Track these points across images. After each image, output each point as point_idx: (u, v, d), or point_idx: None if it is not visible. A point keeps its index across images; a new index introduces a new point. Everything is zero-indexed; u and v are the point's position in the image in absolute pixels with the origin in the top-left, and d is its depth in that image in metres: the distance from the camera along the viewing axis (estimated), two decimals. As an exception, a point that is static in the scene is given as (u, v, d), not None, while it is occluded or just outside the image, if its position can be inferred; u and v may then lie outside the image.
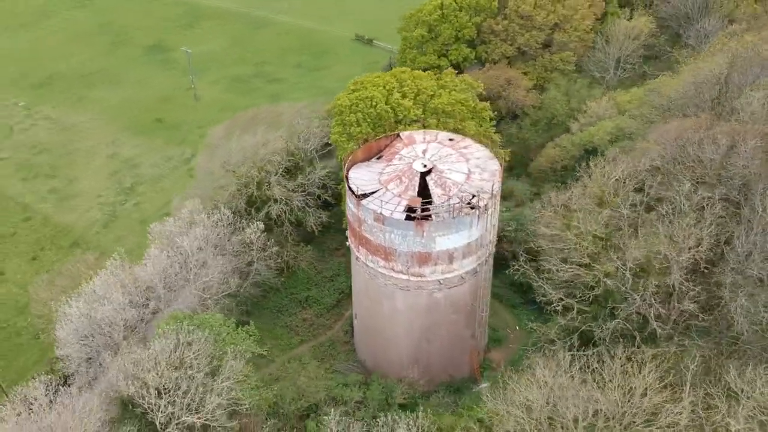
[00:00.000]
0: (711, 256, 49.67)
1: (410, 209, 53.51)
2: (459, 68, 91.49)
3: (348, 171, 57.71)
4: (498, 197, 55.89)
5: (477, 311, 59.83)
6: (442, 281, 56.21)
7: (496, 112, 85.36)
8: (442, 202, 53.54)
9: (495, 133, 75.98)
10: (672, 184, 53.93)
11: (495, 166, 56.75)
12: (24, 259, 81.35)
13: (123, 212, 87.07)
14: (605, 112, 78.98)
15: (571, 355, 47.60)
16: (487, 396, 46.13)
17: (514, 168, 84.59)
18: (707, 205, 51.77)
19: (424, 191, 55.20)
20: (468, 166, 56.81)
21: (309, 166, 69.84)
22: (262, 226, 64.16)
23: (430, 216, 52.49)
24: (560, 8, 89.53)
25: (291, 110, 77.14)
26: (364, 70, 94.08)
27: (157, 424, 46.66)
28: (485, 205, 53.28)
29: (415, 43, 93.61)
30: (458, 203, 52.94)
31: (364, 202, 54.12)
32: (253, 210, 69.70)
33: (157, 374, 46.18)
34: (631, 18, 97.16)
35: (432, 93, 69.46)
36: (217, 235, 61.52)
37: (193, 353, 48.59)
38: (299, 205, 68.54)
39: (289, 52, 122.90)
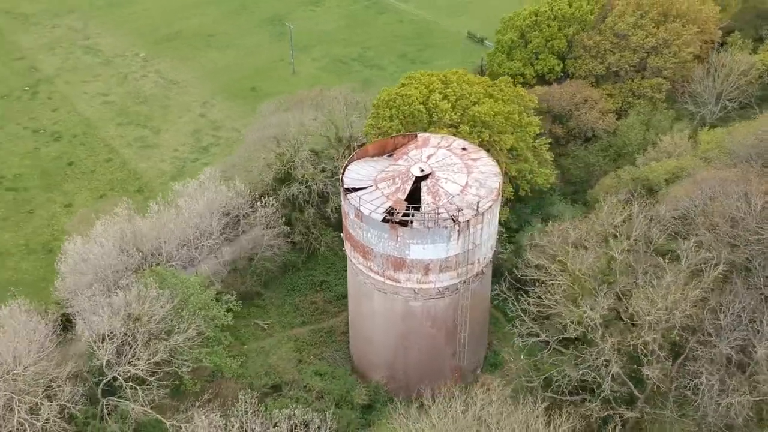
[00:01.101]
0: (691, 323, 44.26)
1: (391, 211, 52.21)
2: (544, 79, 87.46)
3: (349, 163, 57.20)
4: (491, 215, 52.93)
5: (459, 331, 57.40)
6: (417, 291, 54.49)
7: (565, 131, 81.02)
8: (429, 210, 51.68)
9: (549, 150, 72.23)
10: (677, 239, 48.50)
11: (495, 184, 53.82)
12: (93, 195, 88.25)
13: (191, 169, 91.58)
14: (677, 149, 72.27)
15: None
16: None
17: (575, 192, 79.88)
18: (706, 268, 46.09)
19: (417, 196, 53.62)
20: (467, 179, 54.32)
21: (338, 153, 69.89)
22: (273, 201, 65.31)
23: (406, 222, 50.91)
24: (661, 31, 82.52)
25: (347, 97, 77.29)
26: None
27: (103, 366, 49.45)
28: (467, 222, 50.80)
29: (506, 48, 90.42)
30: (433, 213, 50.86)
31: (349, 196, 53.49)
32: (282, 187, 71.04)
33: (106, 321, 48.78)
34: (755, 52, 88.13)
35: (475, 100, 66.81)
36: (228, 205, 63.41)
37: (146, 307, 50.71)
38: (320, 188, 68.90)
39: (398, 40, 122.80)
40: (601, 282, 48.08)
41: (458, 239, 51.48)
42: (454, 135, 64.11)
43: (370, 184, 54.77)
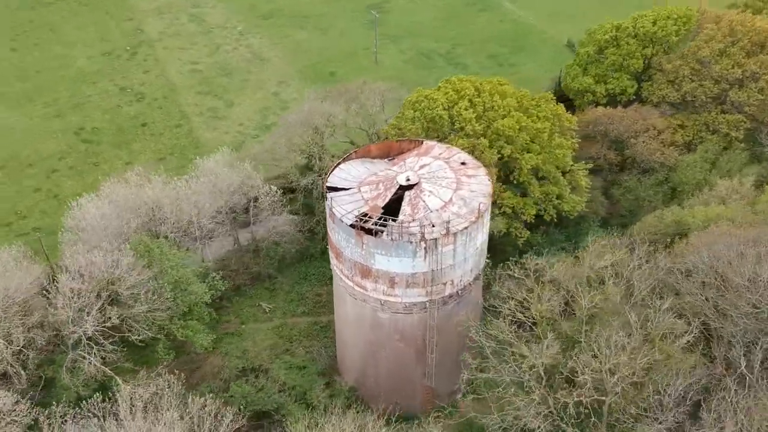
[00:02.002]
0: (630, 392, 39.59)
1: (364, 217, 50.56)
2: (615, 100, 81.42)
3: (343, 161, 56.01)
4: (467, 237, 49.88)
5: (427, 352, 54.94)
6: (383, 302, 52.66)
7: (621, 159, 75.31)
8: (396, 223, 49.59)
9: (590, 176, 67.32)
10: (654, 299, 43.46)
11: (480, 205, 50.62)
12: (154, 157, 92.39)
13: (249, 144, 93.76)
14: (733, 195, 64.98)
15: None
16: None
17: (623, 225, 73.91)
18: (680, 335, 41.01)
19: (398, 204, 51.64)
20: (453, 195, 51.51)
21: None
22: (275, 189, 65.46)
23: (371, 230, 49.11)
24: (751, 62, 74.09)
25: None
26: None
27: (69, 321, 51.82)
28: (434, 240, 48.24)
29: (583, 62, 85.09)
30: (399, 226, 48.65)
31: (329, 195, 52.43)
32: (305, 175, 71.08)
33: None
34: None
35: (504, 113, 63.13)
36: (239, 186, 64.29)
37: (119, 273, 52.46)
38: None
39: (492, 40, 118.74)
40: (558, 328, 44.05)
41: (425, 257, 49.05)
42: (474, 146, 61.14)
43: (354, 186, 53.32)
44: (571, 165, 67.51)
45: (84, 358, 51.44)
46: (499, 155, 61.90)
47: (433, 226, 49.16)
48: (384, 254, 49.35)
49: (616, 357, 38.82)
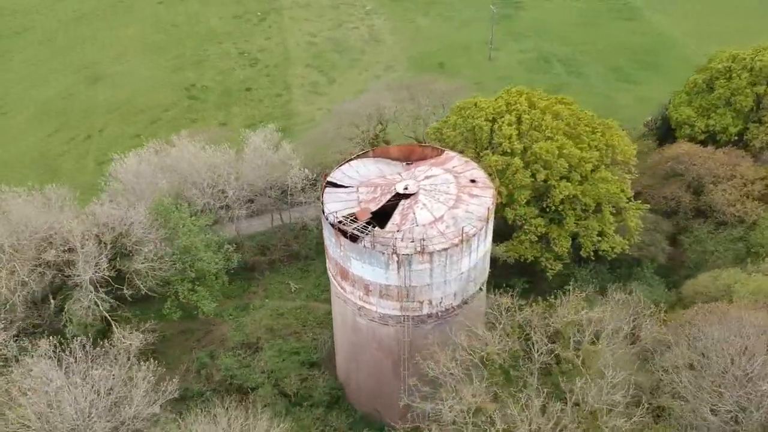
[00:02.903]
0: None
1: (350, 219, 49.46)
2: (714, 138, 73.03)
3: (354, 158, 55.04)
4: (446, 258, 47.17)
5: (401, 368, 53.10)
6: (360, 308, 51.51)
7: (696, 204, 67.99)
8: (371, 230, 47.90)
9: (645, 213, 61.44)
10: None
11: (470, 228, 47.64)
12: (245, 122, 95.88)
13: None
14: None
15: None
16: None
17: (687, 276, 66.74)
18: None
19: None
20: (446, 212, 48.88)
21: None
22: (306, 173, 65.78)
23: (347, 233, 47.92)
24: None
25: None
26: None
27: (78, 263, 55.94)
28: (407, 256, 46.20)
29: (690, 90, 77.03)
30: (371, 235, 47.02)
31: (327, 190, 51.84)
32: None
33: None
34: None
35: (550, 134, 58.63)
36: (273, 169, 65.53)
37: (127, 227, 55.65)
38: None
39: (623, 52, 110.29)
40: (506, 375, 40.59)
41: (397, 271, 47.20)
42: (507, 165, 57.63)
43: (354, 186, 52.26)
44: (626, 202, 61.57)
45: (81, 300, 55.15)
46: (533, 178, 57.76)
47: (412, 241, 47.07)
48: (359, 260, 48.09)
49: (537, 420, 35.18)
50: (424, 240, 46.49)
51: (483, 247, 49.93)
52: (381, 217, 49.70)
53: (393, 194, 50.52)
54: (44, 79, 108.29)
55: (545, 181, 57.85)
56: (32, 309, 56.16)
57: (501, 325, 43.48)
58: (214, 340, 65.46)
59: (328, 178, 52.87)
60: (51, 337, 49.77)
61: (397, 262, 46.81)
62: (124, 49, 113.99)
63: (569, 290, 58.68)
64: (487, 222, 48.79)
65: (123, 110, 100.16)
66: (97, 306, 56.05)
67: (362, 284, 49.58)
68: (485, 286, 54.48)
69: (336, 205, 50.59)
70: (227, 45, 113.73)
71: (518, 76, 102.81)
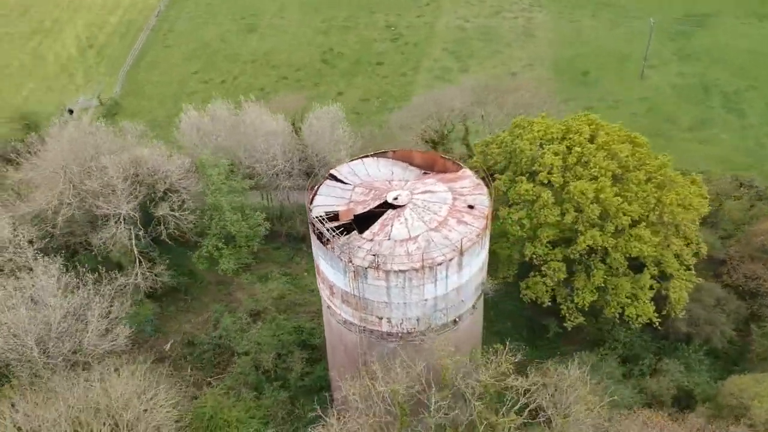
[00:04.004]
0: None
1: (334, 216, 48.31)
2: None
3: (370, 156, 53.33)
4: (406, 281, 44.48)
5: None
6: (328, 306, 50.60)
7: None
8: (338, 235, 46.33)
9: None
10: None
11: (439, 255, 44.33)
12: (359, 95, 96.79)
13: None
14: None
15: None
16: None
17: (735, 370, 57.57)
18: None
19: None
20: (423, 233, 45.84)
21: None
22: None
23: (319, 231, 46.85)
24: None
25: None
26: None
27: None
28: (363, 269, 44.26)
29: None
30: (337, 240, 45.46)
31: (326, 182, 51.00)
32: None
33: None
34: None
35: (596, 174, 52.12)
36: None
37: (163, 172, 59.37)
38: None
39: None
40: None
41: (354, 280, 45.50)
42: (537, 196, 52.65)
43: (352, 184, 50.75)
44: (677, 269, 53.66)
45: (112, 232, 59.77)
46: (560, 218, 52.14)
47: (375, 255, 44.94)
48: (324, 259, 47.00)
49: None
50: (378, 257, 44.19)
51: (456, 279, 46.23)
52: (366, 221, 47.97)
53: (382, 202, 48.39)
54: (209, 21, 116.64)
55: (573, 224, 51.96)
56: (69, 230, 61.73)
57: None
58: (237, 299, 68.01)
59: (332, 171, 51.88)
60: (69, 259, 54.95)
61: (354, 272, 45.07)
62: (287, 5, 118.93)
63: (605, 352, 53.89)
64: (462, 254, 45.03)
65: (261, 62, 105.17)
66: (130, 240, 60.47)
67: (328, 284, 48.51)
68: (473, 317, 50.80)
69: (327, 199, 49.62)
70: (378, 16, 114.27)
71: (663, 101, 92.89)
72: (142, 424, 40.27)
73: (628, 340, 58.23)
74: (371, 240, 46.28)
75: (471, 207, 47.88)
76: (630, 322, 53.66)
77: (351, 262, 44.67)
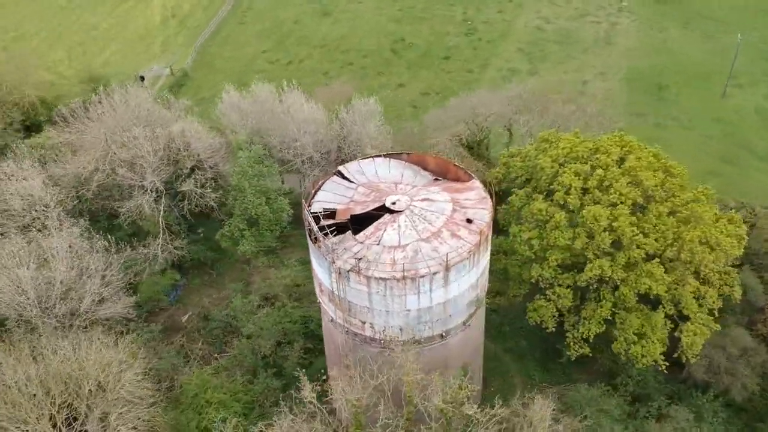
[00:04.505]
0: None
1: (331, 213, 47.82)
2: None
3: (381, 156, 52.42)
4: (385, 290, 43.44)
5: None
6: (318, 302, 50.41)
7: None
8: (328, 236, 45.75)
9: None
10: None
11: (420, 266, 42.96)
12: (423, 89, 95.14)
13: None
14: None
15: None
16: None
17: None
18: None
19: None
20: (413, 243, 44.53)
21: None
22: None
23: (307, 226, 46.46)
24: None
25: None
26: None
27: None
28: (347, 271, 43.55)
29: None
30: (326, 240, 44.88)
31: (333, 179, 50.58)
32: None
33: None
34: None
35: (614, 200, 48.97)
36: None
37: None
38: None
39: None
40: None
41: (338, 280, 44.95)
42: (549, 217, 50.15)
43: (357, 184, 49.98)
44: (696, 312, 49.92)
45: (137, 201, 61.74)
46: (571, 242, 49.43)
47: (359, 259, 44.14)
48: (314, 256, 46.70)
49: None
50: (361, 261, 43.34)
51: (442, 294, 44.70)
52: (364, 223, 47.18)
53: (380, 205, 47.40)
54: (288, 2, 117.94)
55: (583, 250, 49.14)
56: (99, 196, 64.11)
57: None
58: (255, 281, 68.82)
59: (340, 167, 51.29)
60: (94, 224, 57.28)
61: (338, 273, 44.48)
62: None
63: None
64: (448, 269, 43.45)
65: (330, 47, 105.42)
66: (154, 212, 62.33)
67: (318, 281, 48.20)
68: (465, 333, 49.12)
69: (329, 195, 49.16)
70: (457, 8, 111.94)
71: (743, 124, 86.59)
72: (108, 394, 41.42)
73: (641, 378, 55.03)
74: (362, 243, 45.49)
75: (469, 221, 46.12)
76: (635, 361, 50.36)
77: (334, 263, 44.08)
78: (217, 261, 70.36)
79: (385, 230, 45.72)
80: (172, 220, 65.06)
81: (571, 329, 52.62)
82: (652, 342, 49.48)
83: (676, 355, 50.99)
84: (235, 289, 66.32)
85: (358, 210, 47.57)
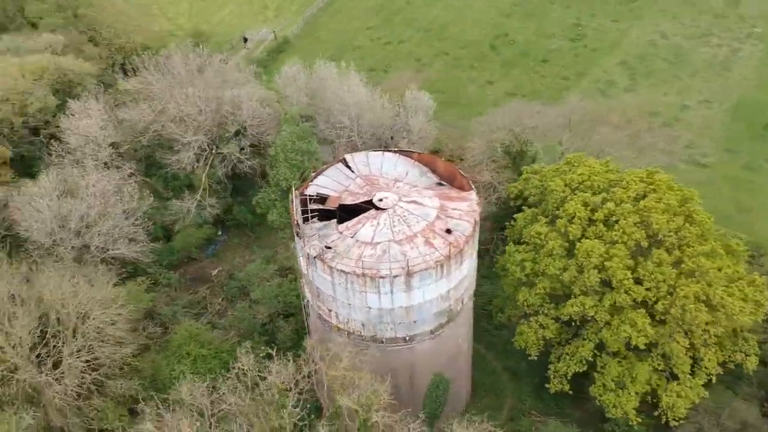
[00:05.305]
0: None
1: (322, 199, 48.68)
2: None
3: (395, 152, 52.48)
4: (352, 286, 43.81)
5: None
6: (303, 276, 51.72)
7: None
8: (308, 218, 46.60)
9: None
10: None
11: (385, 269, 42.88)
12: (509, 89, 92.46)
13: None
14: None
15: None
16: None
17: None
18: None
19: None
20: (387, 242, 44.41)
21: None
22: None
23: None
24: None
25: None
26: None
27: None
28: (314, 258, 44.40)
29: None
30: (306, 223, 45.82)
31: (337, 165, 51.40)
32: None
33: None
34: None
35: (617, 238, 46.03)
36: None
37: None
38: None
39: None
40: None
41: (306, 264, 46.00)
42: (544, 242, 48.17)
43: (357, 176, 50.33)
44: (684, 373, 46.33)
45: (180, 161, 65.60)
46: (561, 272, 47.17)
47: (328, 248, 44.80)
48: (297, 233, 47.71)
49: None
50: (328, 250, 43.98)
51: (404, 298, 44.45)
52: (352, 214, 47.68)
53: (367, 199, 47.63)
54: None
55: (570, 284, 46.80)
56: (149, 146, 68.62)
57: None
58: (279, 255, 70.69)
59: (346, 156, 51.83)
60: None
61: (307, 257, 45.46)
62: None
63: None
64: (411, 275, 43.07)
65: (432, 32, 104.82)
66: (195, 169, 66.03)
67: (301, 257, 49.16)
68: (435, 342, 48.59)
69: (328, 181, 50.12)
70: (571, 11, 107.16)
71: None
72: (85, 328, 45.09)
73: (628, 428, 51.84)
74: (341, 233, 46.10)
75: (448, 231, 45.38)
76: (606, 409, 47.62)
77: (304, 246, 45.03)
78: (257, 225, 73.23)
79: (364, 225, 45.99)
80: (215, 179, 68.31)
81: (555, 362, 50.52)
82: (628, 393, 46.52)
83: (656, 414, 47.73)
84: (261, 255, 68.92)
85: (348, 201, 48.12)
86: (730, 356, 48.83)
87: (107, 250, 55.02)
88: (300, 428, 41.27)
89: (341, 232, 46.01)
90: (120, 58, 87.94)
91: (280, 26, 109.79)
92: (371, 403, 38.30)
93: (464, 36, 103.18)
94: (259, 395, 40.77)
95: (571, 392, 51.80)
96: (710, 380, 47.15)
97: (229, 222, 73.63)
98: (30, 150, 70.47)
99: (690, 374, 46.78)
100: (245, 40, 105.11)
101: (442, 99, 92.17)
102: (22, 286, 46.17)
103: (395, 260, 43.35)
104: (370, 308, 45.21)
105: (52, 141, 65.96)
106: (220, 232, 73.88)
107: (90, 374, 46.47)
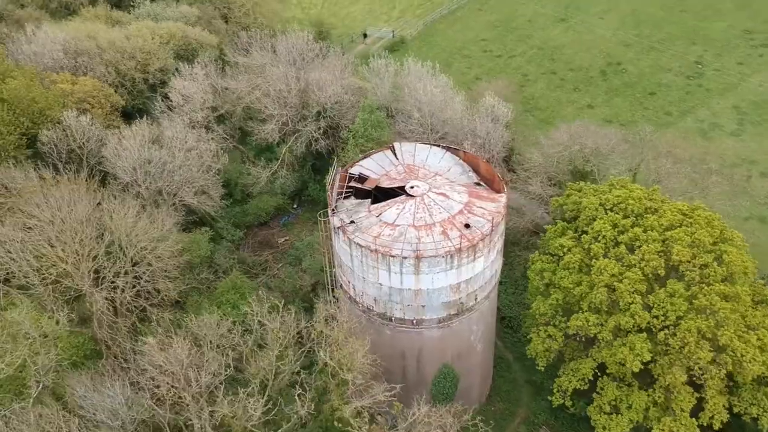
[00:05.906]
0: None
1: (362, 179, 52.22)
2: None
3: (436, 146, 55.18)
4: (365, 261, 47.03)
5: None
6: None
7: None
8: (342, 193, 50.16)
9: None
10: None
11: (407, 251, 45.57)
12: (603, 110, 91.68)
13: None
14: None
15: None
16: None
17: None
18: None
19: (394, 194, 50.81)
20: (407, 228, 47.19)
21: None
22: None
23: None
24: None
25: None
26: None
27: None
28: (338, 228, 48.03)
29: None
30: (342, 198, 49.52)
31: (385, 151, 54.78)
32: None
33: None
34: None
35: (634, 262, 46.00)
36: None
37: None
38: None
39: None
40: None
41: (335, 233, 49.64)
42: (562, 255, 49.03)
43: (399, 162, 53.41)
44: (683, 413, 45.57)
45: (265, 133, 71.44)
46: (573, 286, 47.73)
47: (352, 221, 48.25)
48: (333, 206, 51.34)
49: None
50: (351, 223, 47.42)
51: (412, 281, 46.95)
52: (387, 197, 50.89)
53: (401, 185, 50.61)
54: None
55: (578, 300, 47.32)
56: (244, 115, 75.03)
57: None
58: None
59: (395, 143, 54.95)
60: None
61: (333, 227, 49.10)
62: (612, 10, 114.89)
63: None
64: (419, 259, 45.57)
65: (545, 51, 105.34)
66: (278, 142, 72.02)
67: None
68: (443, 332, 50.70)
69: (372, 164, 53.60)
70: (696, 48, 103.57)
71: None
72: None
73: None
74: (369, 212, 49.42)
75: (467, 226, 47.44)
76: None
77: (333, 216, 48.74)
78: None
79: (391, 208, 48.97)
80: (294, 155, 73.60)
81: (561, 375, 51.02)
82: (621, 419, 46.39)
83: (647, 447, 47.13)
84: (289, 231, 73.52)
85: (384, 184, 51.31)
86: (746, 409, 47.19)
87: (176, 195, 61.41)
88: (293, 378, 44.87)
89: (370, 211, 49.25)
90: (245, 35, 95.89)
91: (400, 27, 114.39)
92: (347, 363, 41.21)
93: (576, 59, 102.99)
94: (261, 339, 44.89)
95: (589, 417, 51.93)
96: (711, 425, 45.87)
97: (304, 197, 78.75)
98: (145, 104, 79.12)
99: (691, 415, 45.82)
100: (365, 35, 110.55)
101: (540, 116, 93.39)
102: (95, 212, 53.01)
103: (408, 243, 46.04)
104: (381, 285, 48.09)
105: (163, 98, 74.00)
106: (295, 205, 79.18)
107: (135, 300, 52.62)
